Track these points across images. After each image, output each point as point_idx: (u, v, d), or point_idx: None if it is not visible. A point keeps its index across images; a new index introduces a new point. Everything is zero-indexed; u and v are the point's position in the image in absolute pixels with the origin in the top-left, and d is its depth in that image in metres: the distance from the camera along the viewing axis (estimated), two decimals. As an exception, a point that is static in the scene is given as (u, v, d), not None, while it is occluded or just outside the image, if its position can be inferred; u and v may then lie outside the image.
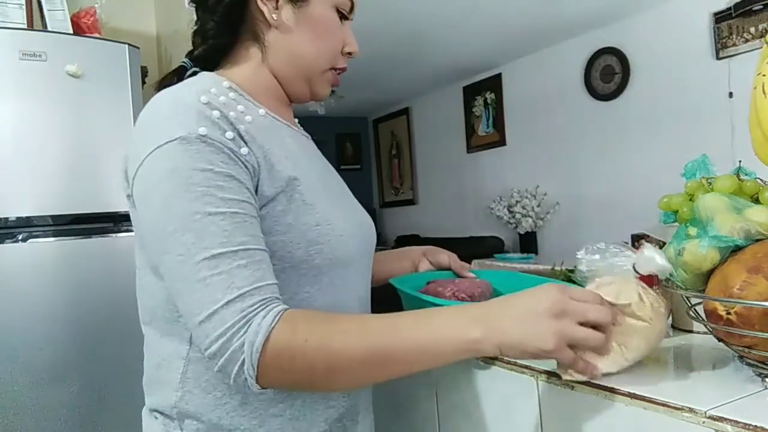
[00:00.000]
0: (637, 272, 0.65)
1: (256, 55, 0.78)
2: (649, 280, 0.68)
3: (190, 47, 0.83)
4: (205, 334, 0.58)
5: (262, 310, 0.59)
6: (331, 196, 0.77)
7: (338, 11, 0.79)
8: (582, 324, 0.57)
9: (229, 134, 0.65)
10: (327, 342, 0.59)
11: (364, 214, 0.86)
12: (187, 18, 1.90)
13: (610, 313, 0.59)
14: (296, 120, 0.89)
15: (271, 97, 0.80)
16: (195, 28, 0.81)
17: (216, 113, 0.66)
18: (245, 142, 0.66)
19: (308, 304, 0.70)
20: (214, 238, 0.59)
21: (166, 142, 0.62)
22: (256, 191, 0.66)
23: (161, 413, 0.72)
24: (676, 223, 0.70)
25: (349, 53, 0.82)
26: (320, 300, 0.71)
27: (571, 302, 0.58)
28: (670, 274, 0.63)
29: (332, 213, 0.73)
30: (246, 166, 0.65)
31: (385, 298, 0.93)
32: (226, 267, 0.59)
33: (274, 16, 0.75)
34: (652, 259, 0.62)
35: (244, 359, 0.57)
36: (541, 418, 0.66)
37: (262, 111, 0.75)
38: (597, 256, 0.67)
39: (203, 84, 0.71)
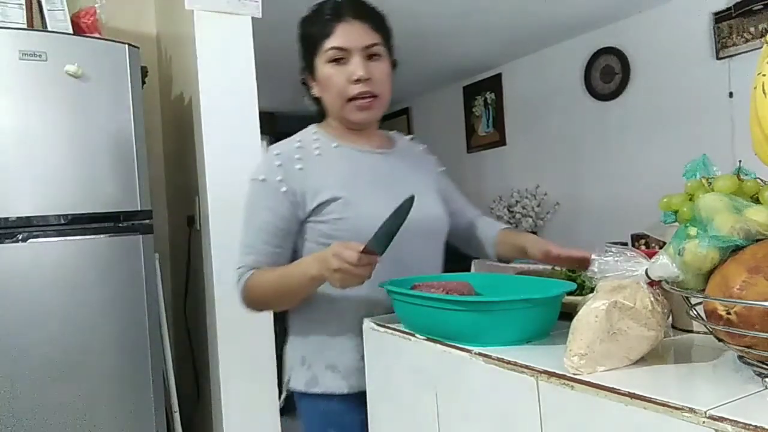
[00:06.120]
0: (648, 278, 0.66)
1: (327, 110, 1.22)
2: (652, 281, 0.68)
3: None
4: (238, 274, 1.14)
5: (247, 271, 1.13)
6: (370, 195, 1.13)
7: (331, 62, 1.14)
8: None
9: (278, 178, 1.12)
10: (258, 286, 1.11)
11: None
12: (187, 18, 1.90)
13: (354, 256, 0.91)
14: (384, 134, 1.30)
15: (344, 132, 1.21)
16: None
17: (277, 163, 1.13)
18: (291, 180, 1.12)
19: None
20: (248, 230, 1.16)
21: (252, 180, 1.16)
22: (304, 207, 1.12)
23: None
24: (676, 223, 0.70)
25: (357, 79, 1.12)
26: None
27: (335, 247, 0.95)
28: (672, 276, 0.63)
29: (365, 206, 1.10)
30: (285, 197, 1.11)
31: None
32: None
33: (315, 90, 1.21)
34: (667, 266, 0.63)
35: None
36: (541, 418, 0.66)
37: (335, 144, 1.19)
38: (610, 258, 0.67)
39: (296, 135, 1.22)
